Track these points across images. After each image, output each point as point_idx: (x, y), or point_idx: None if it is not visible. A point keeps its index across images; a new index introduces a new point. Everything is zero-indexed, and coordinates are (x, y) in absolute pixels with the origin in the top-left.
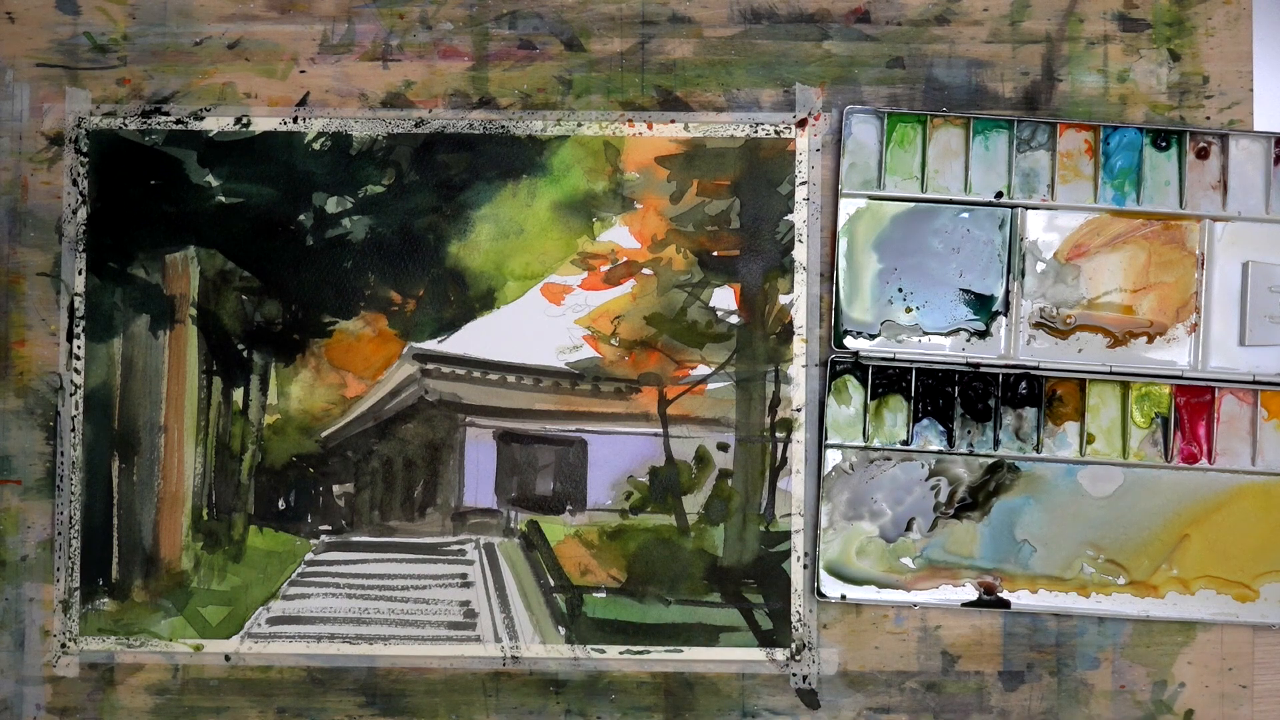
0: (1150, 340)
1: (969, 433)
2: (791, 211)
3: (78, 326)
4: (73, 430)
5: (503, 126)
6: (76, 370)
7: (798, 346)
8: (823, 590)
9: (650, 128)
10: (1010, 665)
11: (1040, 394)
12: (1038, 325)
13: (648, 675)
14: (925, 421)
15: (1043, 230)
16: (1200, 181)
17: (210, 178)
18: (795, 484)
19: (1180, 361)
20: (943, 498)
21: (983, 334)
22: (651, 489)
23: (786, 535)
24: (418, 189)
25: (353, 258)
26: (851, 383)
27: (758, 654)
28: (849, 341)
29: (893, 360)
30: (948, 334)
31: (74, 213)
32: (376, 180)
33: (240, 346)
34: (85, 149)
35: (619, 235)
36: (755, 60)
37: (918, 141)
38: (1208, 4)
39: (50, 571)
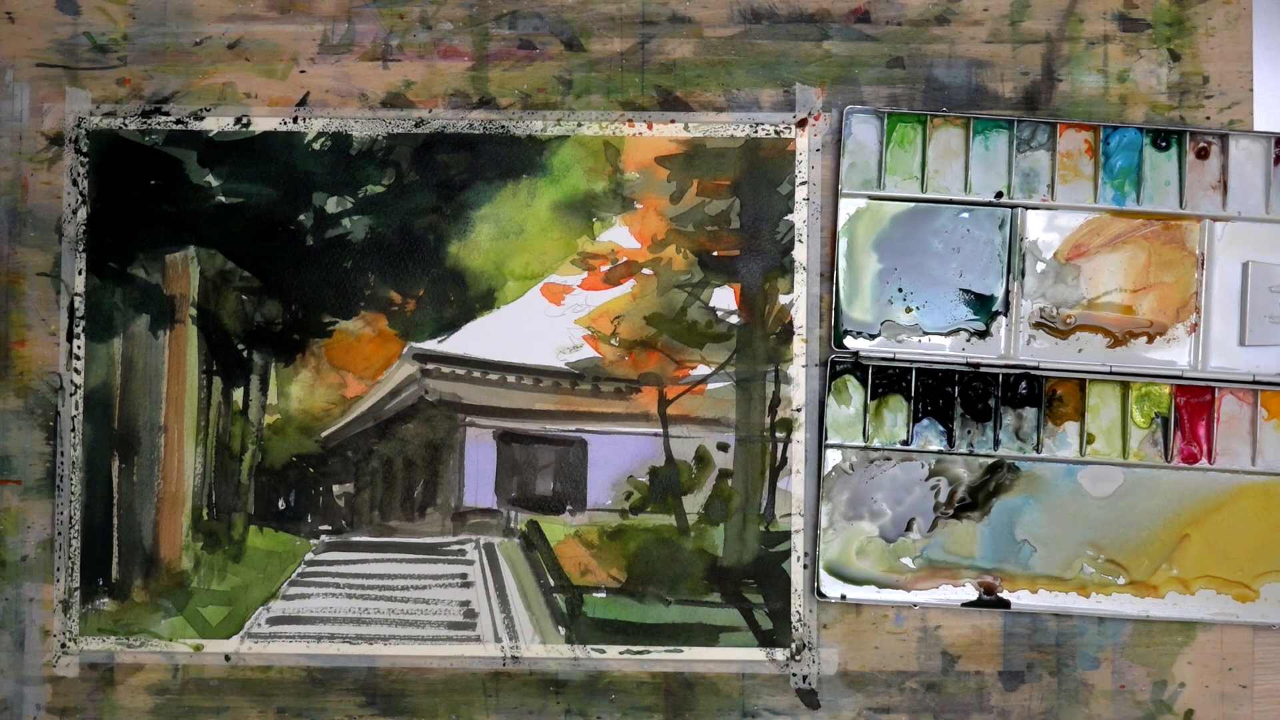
0: (1150, 340)
1: (969, 433)
2: (791, 211)
3: (78, 326)
4: (73, 430)
5: (503, 126)
6: (76, 370)
7: (798, 346)
8: (823, 590)
9: (650, 128)
10: (1010, 665)
11: (1040, 394)
12: (1038, 325)
13: (648, 675)
14: (925, 421)
15: (1043, 230)
16: (1200, 181)
17: (210, 178)
18: (795, 484)
19: (1180, 361)
20: (943, 498)
21: (983, 334)
22: (651, 489)
23: (786, 535)
24: (418, 189)
25: (353, 258)
26: (851, 383)
27: (758, 654)
28: (849, 341)
29: (893, 360)
30: (948, 334)
31: (74, 213)
32: (376, 180)
33: (240, 346)
34: (85, 149)
35: (619, 235)
36: (755, 60)
37: (918, 141)
38: (1208, 4)
39: (50, 571)
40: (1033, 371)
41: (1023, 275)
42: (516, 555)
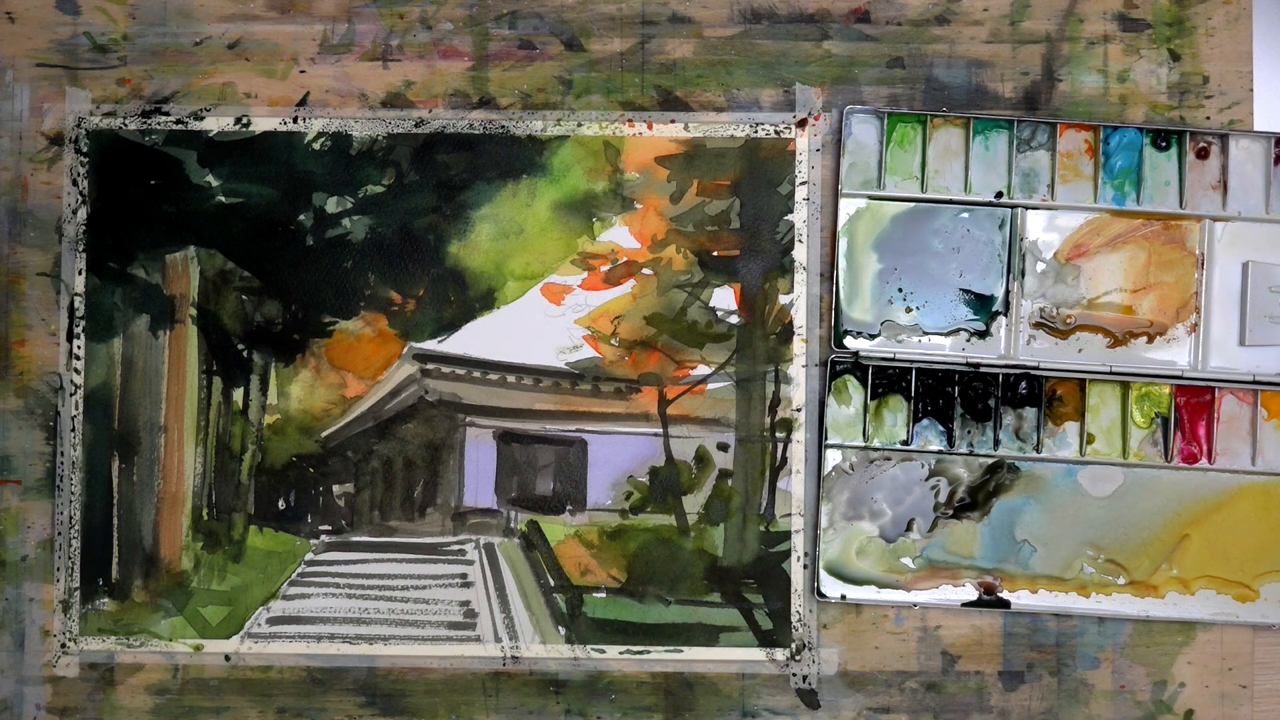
0: (1150, 340)
1: (969, 433)
2: (791, 211)
3: (78, 326)
4: (73, 430)
5: (503, 126)
6: (76, 370)
7: (798, 346)
8: (823, 590)
9: (650, 128)
10: (1010, 665)
11: (1040, 394)
12: (1038, 325)
13: (648, 675)
14: (925, 421)
15: (1043, 230)
16: (1200, 181)
17: (210, 178)
18: (795, 484)
19: (1180, 361)
20: (943, 498)
21: (983, 334)
22: (651, 489)
23: (786, 535)
24: (418, 189)
25: (353, 258)
26: (851, 383)
27: (758, 654)
28: (849, 341)
29: (893, 360)
30: (948, 334)
31: (74, 213)
32: (376, 180)
33: (240, 346)
34: (85, 149)
35: (619, 235)
36: (755, 60)
37: (918, 141)
38: (1208, 4)
39: (50, 571)
40: (1033, 371)
41: (1023, 275)
42: (516, 555)
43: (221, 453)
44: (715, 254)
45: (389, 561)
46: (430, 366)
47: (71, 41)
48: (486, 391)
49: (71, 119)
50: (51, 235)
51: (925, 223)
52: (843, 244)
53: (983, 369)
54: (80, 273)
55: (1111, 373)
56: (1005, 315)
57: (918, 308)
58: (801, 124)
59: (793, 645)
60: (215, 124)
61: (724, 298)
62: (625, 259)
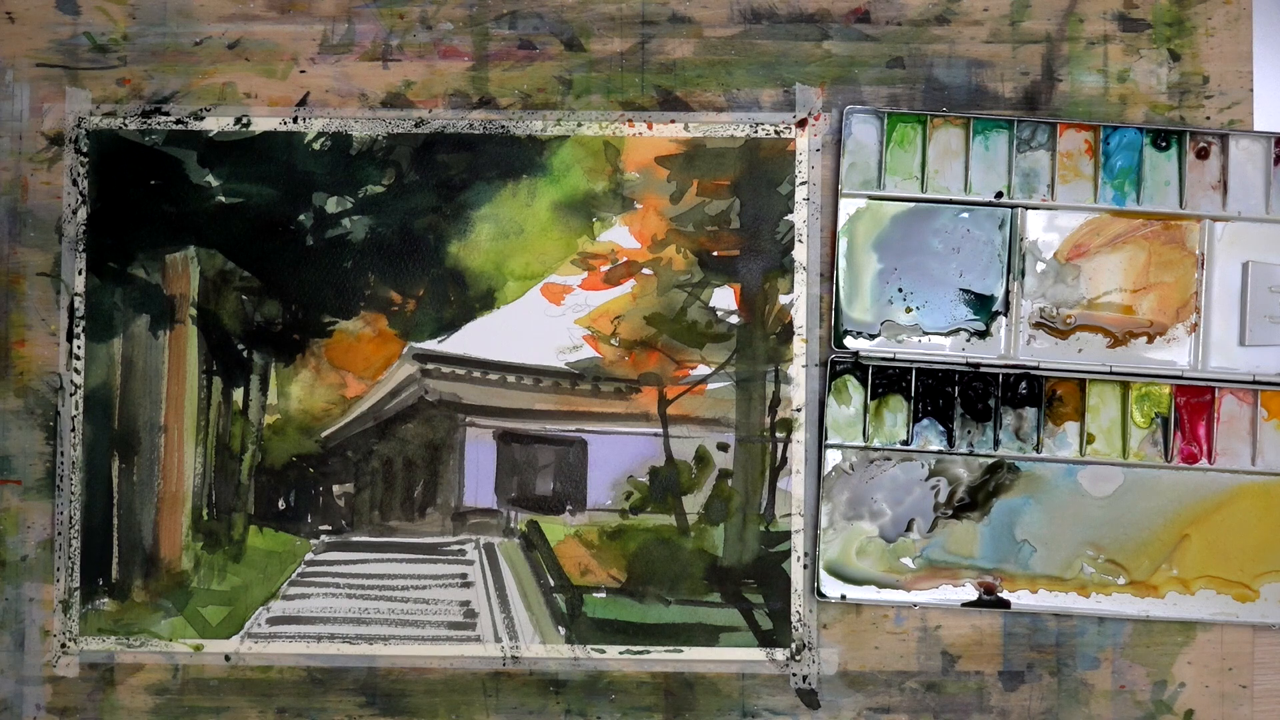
0: (1150, 340)
1: (969, 433)
2: (791, 211)
3: (78, 326)
4: (73, 430)
5: (503, 126)
6: (76, 370)
7: (798, 346)
8: (823, 590)
9: (650, 128)
10: (1010, 665)
11: (1040, 394)
12: (1038, 325)
13: (648, 675)
14: (925, 421)
15: (1043, 230)
16: (1200, 181)
17: (210, 178)
18: (795, 484)
19: (1180, 361)
20: (942, 498)
21: (983, 334)
22: (651, 489)
23: (786, 535)
24: (418, 189)
25: (353, 258)
26: (851, 383)
27: (758, 654)
28: (849, 341)
29: (893, 360)
30: (948, 334)
31: (74, 213)
32: (376, 180)
33: (240, 346)
34: (85, 149)
35: (619, 235)
36: (755, 60)
37: (918, 141)
38: (1208, 4)
39: (50, 571)
40: (1033, 371)
41: (1023, 275)
42: (516, 555)
43: (221, 453)
44: (715, 254)
45: (389, 561)
46: (430, 366)
47: (71, 41)
48: (486, 391)
49: (71, 119)
50: (51, 235)
51: (925, 223)
52: (843, 244)
53: (983, 369)
54: (80, 273)
55: (1111, 373)
56: (1005, 315)
57: (918, 308)
58: (801, 124)
59: (793, 645)
60: (215, 124)
61: (724, 298)
62: (625, 259)
